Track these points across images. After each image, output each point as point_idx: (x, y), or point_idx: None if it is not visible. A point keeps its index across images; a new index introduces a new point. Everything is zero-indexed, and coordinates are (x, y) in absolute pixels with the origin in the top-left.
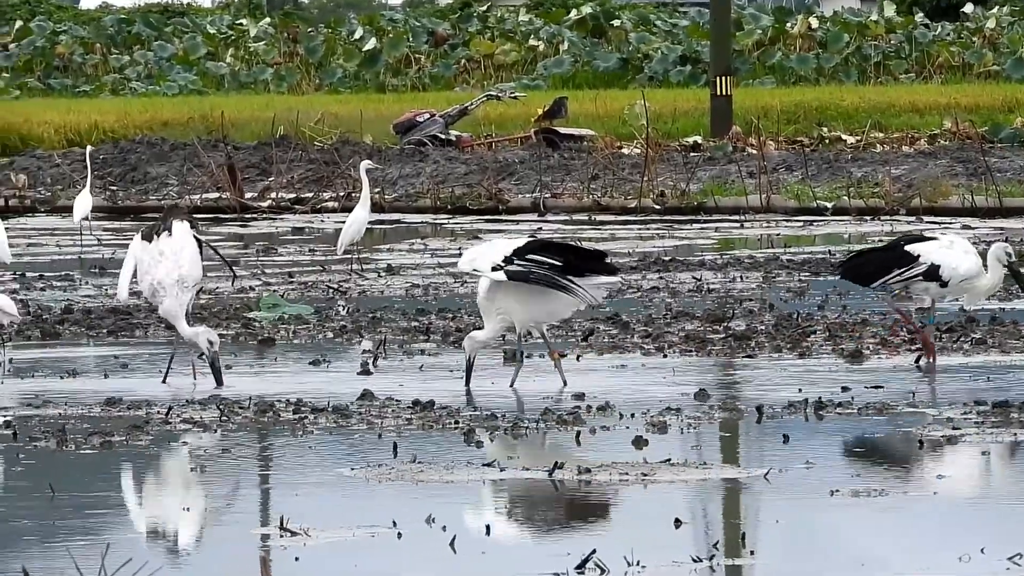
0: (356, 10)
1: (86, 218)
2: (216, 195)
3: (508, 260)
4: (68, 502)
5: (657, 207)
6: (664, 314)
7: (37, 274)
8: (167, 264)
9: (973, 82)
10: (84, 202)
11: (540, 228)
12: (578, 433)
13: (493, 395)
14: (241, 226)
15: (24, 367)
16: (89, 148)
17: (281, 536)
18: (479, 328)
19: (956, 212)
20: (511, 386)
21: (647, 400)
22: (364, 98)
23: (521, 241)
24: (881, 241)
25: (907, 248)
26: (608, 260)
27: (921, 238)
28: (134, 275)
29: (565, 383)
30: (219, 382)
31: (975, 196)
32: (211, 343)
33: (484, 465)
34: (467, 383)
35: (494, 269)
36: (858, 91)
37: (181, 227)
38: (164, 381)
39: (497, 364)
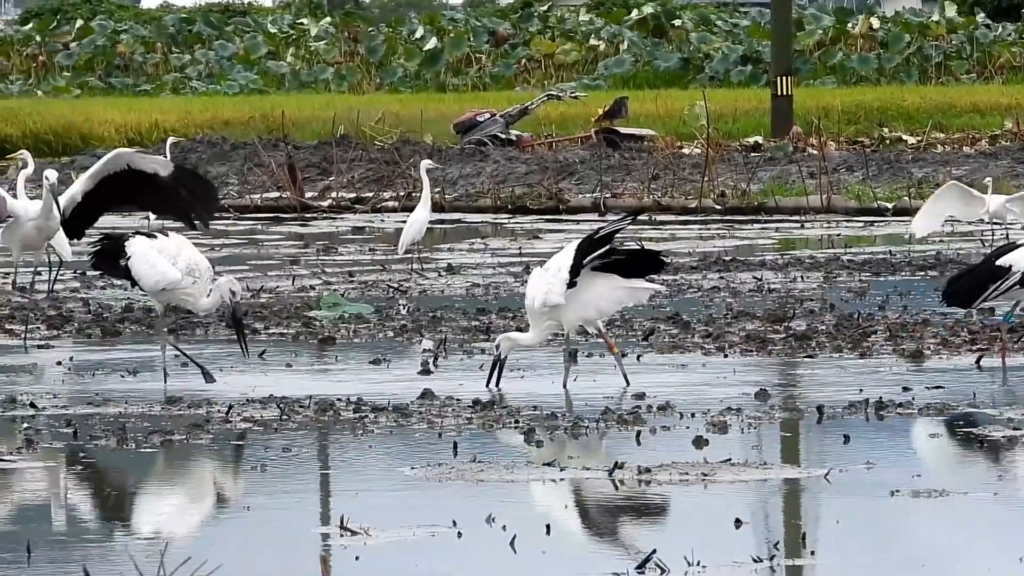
0: (417, 9)
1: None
2: (276, 194)
3: (572, 282)
4: (128, 500)
5: (717, 207)
6: (725, 314)
7: (98, 272)
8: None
9: None
10: None
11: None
12: (638, 433)
13: (553, 394)
14: (301, 225)
15: (85, 366)
16: (170, 140)
17: (341, 535)
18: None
19: None
20: (564, 386)
21: (707, 400)
22: (424, 98)
23: (568, 258)
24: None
25: (997, 262)
26: (659, 258)
27: (1009, 248)
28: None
29: (628, 382)
30: (244, 349)
31: None
32: (233, 293)
33: (544, 465)
34: (497, 382)
35: (571, 286)
36: (919, 91)
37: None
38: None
39: (558, 363)
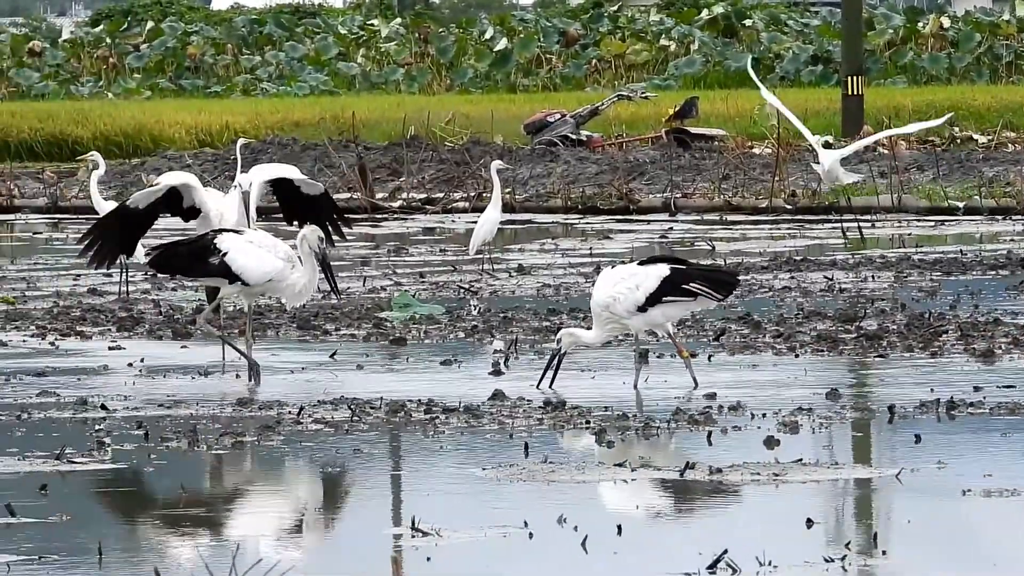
0: (487, 10)
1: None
2: (347, 195)
3: (650, 302)
4: (199, 502)
5: (788, 207)
6: (796, 314)
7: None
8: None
9: None
10: None
11: (671, 228)
12: (709, 433)
13: (624, 395)
14: (372, 226)
15: (156, 367)
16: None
17: (413, 536)
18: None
19: None
20: (634, 387)
21: (778, 400)
22: (495, 98)
23: (651, 286)
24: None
25: None
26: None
27: None
28: None
29: (696, 383)
30: (335, 289)
31: None
32: (321, 239)
33: (615, 465)
34: (551, 382)
35: (640, 309)
36: (990, 91)
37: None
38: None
39: (628, 363)
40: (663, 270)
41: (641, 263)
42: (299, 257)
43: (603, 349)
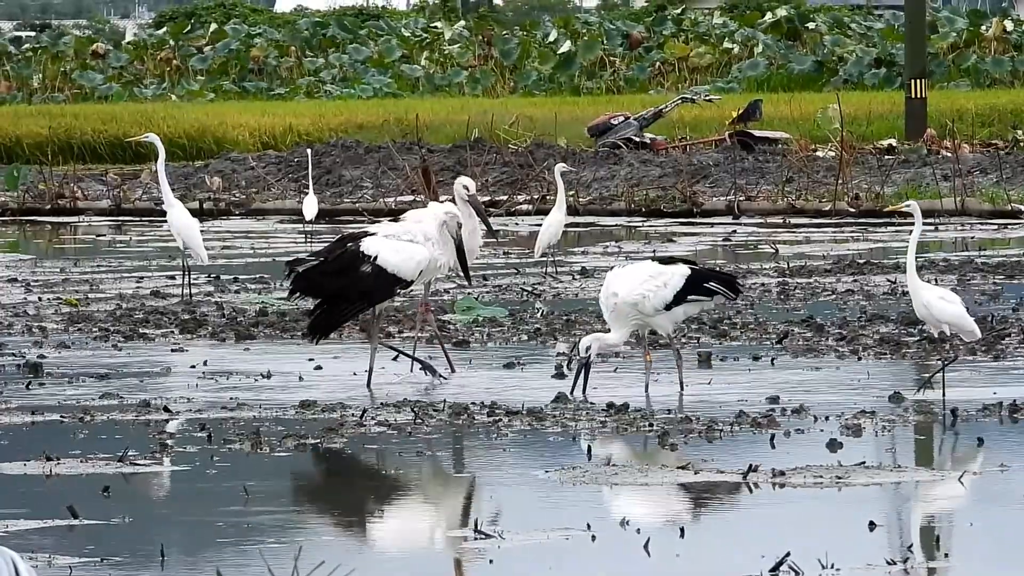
0: (551, 12)
1: (312, 220)
2: (411, 198)
3: (677, 300)
4: (261, 504)
5: (852, 210)
6: (859, 317)
7: (232, 277)
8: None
9: None
10: (312, 204)
11: (734, 231)
12: (772, 436)
13: (687, 397)
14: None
15: (218, 370)
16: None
17: (475, 538)
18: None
19: None
20: (680, 389)
21: (841, 403)
22: (558, 101)
23: (678, 284)
24: None
25: None
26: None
27: None
28: None
29: (683, 386)
30: (468, 276)
31: None
32: (459, 224)
33: (678, 468)
34: (584, 389)
35: (667, 307)
36: None
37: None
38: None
39: (692, 366)
40: (685, 269)
41: (662, 262)
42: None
43: (667, 352)
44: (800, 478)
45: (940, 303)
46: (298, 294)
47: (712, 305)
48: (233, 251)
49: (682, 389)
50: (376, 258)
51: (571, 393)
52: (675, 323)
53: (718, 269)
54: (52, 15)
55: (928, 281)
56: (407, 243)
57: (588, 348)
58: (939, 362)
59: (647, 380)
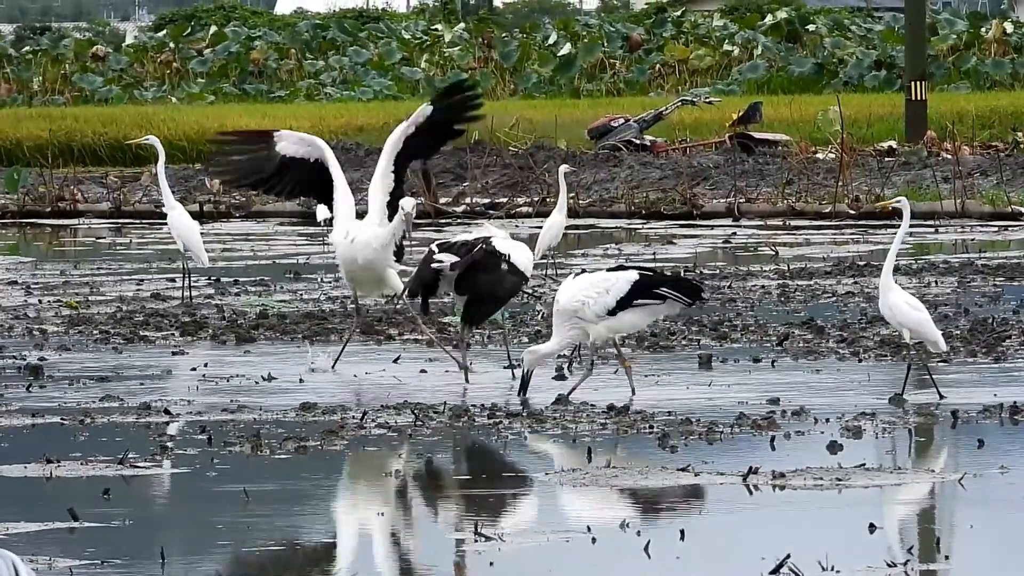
0: (551, 15)
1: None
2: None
3: (621, 306)
4: (262, 507)
5: (852, 212)
6: (859, 319)
7: (232, 279)
8: None
9: None
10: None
11: (734, 233)
12: (772, 438)
13: (687, 400)
14: (436, 231)
15: (219, 373)
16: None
17: (476, 541)
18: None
19: None
20: (568, 396)
21: (842, 405)
22: (559, 103)
23: (622, 290)
24: None
25: None
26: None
27: None
28: None
29: (634, 391)
30: None
31: None
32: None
33: (678, 470)
34: (524, 393)
35: (610, 313)
36: None
37: None
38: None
39: (692, 368)
40: (633, 275)
41: (610, 270)
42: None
43: (666, 354)
44: (800, 480)
45: (904, 307)
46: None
47: (670, 311)
48: (233, 254)
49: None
50: (509, 256)
51: (518, 394)
52: (618, 332)
53: (680, 275)
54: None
55: (928, 283)
56: (510, 240)
57: (524, 360)
58: (939, 363)
59: (631, 383)
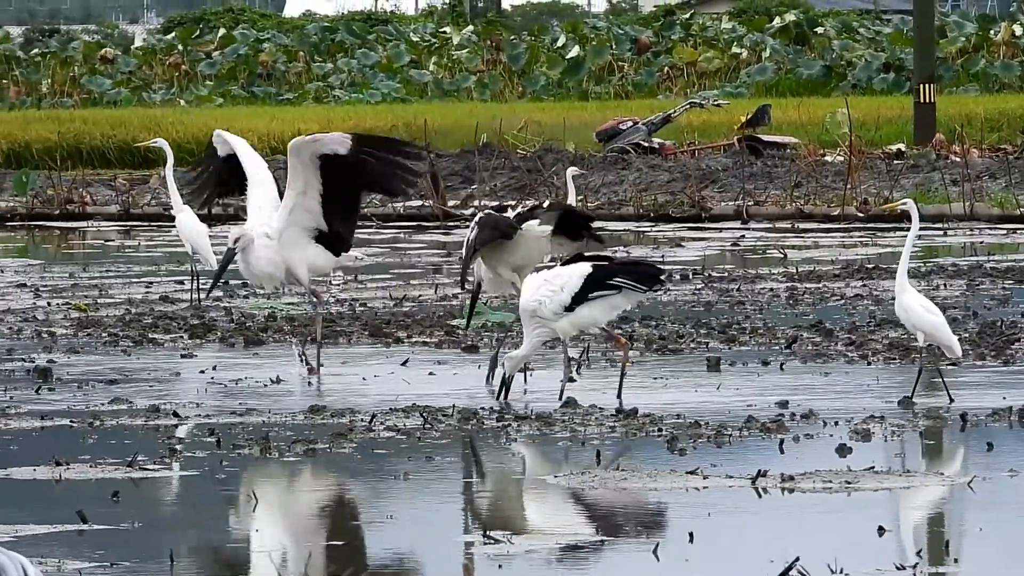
0: (559, 18)
1: None
2: (419, 203)
3: (576, 301)
4: (270, 509)
5: (860, 215)
6: (868, 322)
7: (240, 282)
8: None
9: None
10: None
11: (743, 236)
12: (781, 441)
13: (696, 403)
14: (444, 234)
15: (227, 375)
16: None
17: (485, 543)
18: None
19: None
20: (559, 398)
21: (850, 408)
22: (567, 106)
23: (575, 285)
24: None
25: None
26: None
27: None
28: None
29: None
30: None
31: None
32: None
33: (687, 473)
34: (504, 397)
35: (567, 310)
36: None
37: None
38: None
39: (701, 371)
40: (585, 268)
41: (563, 263)
42: None
43: (674, 357)
44: (809, 483)
45: (919, 310)
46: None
47: (629, 301)
48: None
49: (560, 399)
50: None
51: (497, 398)
52: (583, 326)
53: (637, 260)
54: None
55: (937, 286)
56: None
57: (503, 366)
58: (949, 366)
59: (620, 382)
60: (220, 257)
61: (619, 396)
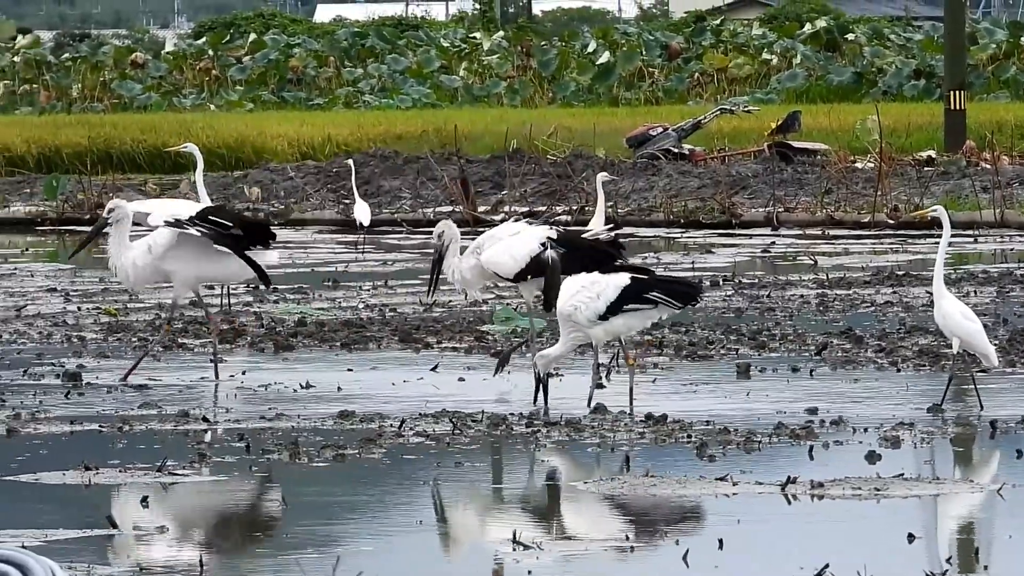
0: (590, 23)
1: (367, 226)
2: (449, 208)
3: (611, 311)
4: (300, 514)
5: (891, 221)
6: (898, 328)
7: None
8: None
9: None
10: (364, 210)
11: (773, 242)
12: (811, 447)
13: (726, 409)
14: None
15: (257, 380)
16: (350, 160)
17: (514, 549)
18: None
19: None
20: (588, 403)
21: (880, 415)
22: (597, 111)
23: (612, 294)
24: None
25: None
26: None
27: None
28: None
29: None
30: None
31: None
32: None
33: (717, 479)
34: (545, 400)
35: (601, 318)
36: None
37: None
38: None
39: (730, 378)
40: (623, 279)
41: (605, 271)
42: None
43: (704, 363)
44: (839, 490)
45: (958, 316)
46: None
47: (664, 315)
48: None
49: (589, 404)
50: None
51: (534, 402)
52: (617, 334)
53: (676, 278)
54: (92, 25)
55: (967, 293)
56: None
57: (536, 365)
58: (978, 373)
59: (631, 384)
60: None
61: (630, 404)
